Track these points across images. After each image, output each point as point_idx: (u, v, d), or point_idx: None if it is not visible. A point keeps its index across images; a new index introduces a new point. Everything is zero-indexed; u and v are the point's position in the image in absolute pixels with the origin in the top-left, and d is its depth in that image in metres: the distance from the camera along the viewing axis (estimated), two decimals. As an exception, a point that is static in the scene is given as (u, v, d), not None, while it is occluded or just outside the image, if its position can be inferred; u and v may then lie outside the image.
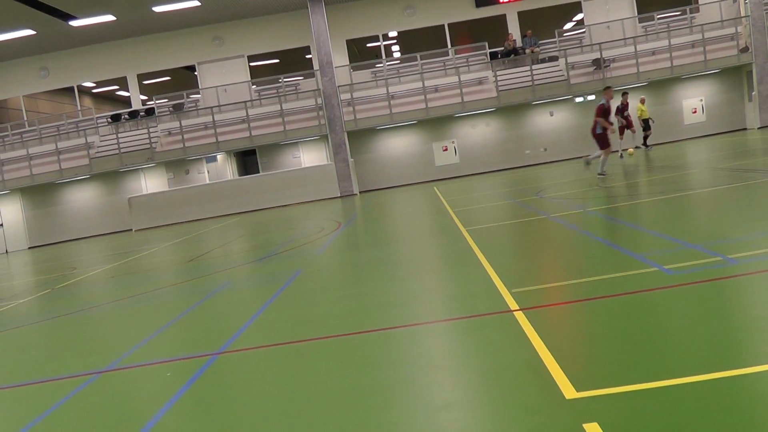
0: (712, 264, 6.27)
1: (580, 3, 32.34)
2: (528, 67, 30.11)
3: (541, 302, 5.94)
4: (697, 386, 3.66)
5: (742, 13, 30.27)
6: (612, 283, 6.15)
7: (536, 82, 29.79)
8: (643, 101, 28.78)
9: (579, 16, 32.84)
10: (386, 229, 14.03)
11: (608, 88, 17.83)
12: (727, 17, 31.20)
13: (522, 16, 32.19)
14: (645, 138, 28.62)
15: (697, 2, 32.23)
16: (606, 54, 30.05)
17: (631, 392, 3.71)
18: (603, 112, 17.46)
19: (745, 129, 31.05)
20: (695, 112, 31.39)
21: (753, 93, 30.19)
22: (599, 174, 17.48)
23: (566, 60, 30.05)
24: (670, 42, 29.77)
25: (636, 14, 32.10)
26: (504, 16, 32.30)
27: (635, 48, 29.73)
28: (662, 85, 31.16)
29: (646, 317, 5.08)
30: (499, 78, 30.29)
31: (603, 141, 17.48)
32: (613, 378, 3.97)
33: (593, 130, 17.60)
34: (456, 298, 6.68)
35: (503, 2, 31.88)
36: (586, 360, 4.41)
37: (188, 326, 7.28)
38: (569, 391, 3.79)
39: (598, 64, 29.90)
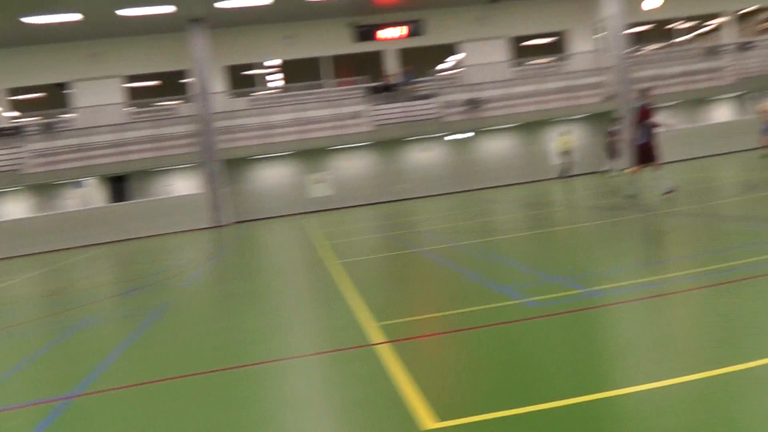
0: (571, 296, 6.46)
1: (456, 44, 33.36)
2: (404, 104, 30.66)
3: (408, 335, 5.93)
4: (557, 411, 3.73)
5: (608, 64, 31.99)
6: (477, 314, 6.22)
7: (411, 119, 30.37)
8: (566, 134, 30.28)
9: (455, 57, 33.72)
10: (257, 261, 13.79)
11: (646, 89, 15.26)
12: (594, 67, 32.84)
13: (400, 53, 32.86)
14: (563, 170, 30.19)
15: (567, 52, 33.81)
16: (479, 94, 30.99)
17: (494, 419, 3.72)
18: (646, 114, 14.82)
19: (611, 170, 32.49)
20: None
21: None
22: (666, 193, 14.94)
23: (441, 98, 30.84)
24: (541, 87, 31.11)
25: (510, 59, 33.30)
26: (382, 52, 32.83)
27: (508, 91, 30.88)
28: (532, 126, 32.46)
29: (510, 347, 5.14)
30: (375, 113, 30.68)
31: (648, 152, 14.94)
32: (477, 406, 3.97)
33: (633, 141, 15.11)
34: (324, 332, 6.57)
35: (381, 39, 32.30)
36: (450, 390, 4.39)
37: (42, 367, 6.73)
38: (429, 422, 3.77)
39: (471, 104, 30.73)
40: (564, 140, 30.14)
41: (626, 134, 14.90)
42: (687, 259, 7.96)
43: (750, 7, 37.30)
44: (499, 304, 6.47)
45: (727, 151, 32.88)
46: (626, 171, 16.20)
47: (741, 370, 4.02)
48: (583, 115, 32.68)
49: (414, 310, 6.99)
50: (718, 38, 36.86)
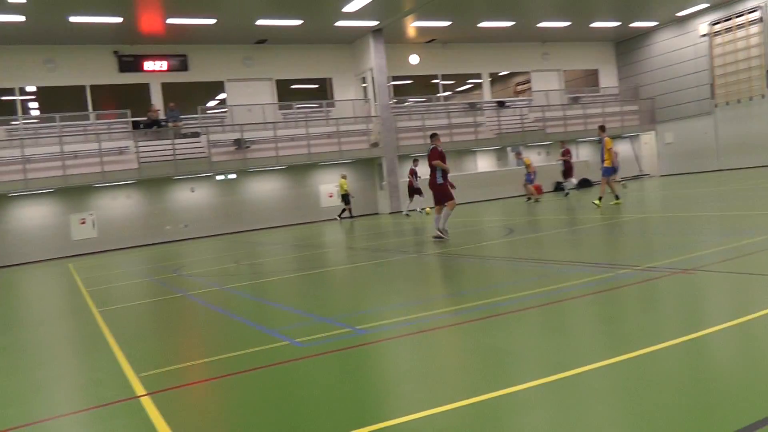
0: (341, 335, 6.43)
1: (223, 82, 32.89)
2: (170, 141, 29.66)
3: (172, 384, 5.55)
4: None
5: (373, 113, 33.11)
6: (245, 358, 5.99)
7: (178, 157, 29.43)
8: (344, 177, 30.63)
9: (222, 96, 33.37)
10: (10, 312, 12.62)
11: (436, 134, 15.87)
12: (360, 115, 33.88)
13: (166, 87, 31.75)
14: (343, 212, 31.02)
15: (333, 98, 34.60)
16: (247, 135, 30.76)
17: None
18: (440, 155, 15.30)
19: (378, 213, 33.51)
20: (331, 196, 33.26)
21: (383, 183, 32.90)
22: (437, 236, 15.15)
23: (208, 137, 30.28)
24: (307, 131, 31.53)
25: (276, 101, 33.48)
26: (148, 85, 31.53)
27: (275, 133, 30.94)
28: (301, 169, 32.71)
29: (280, 389, 5.00)
30: (141, 149, 29.25)
31: (446, 193, 15.30)
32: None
33: (432, 181, 15.35)
34: (82, 388, 6.00)
35: (147, 71, 31.18)
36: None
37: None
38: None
39: (238, 144, 30.43)
40: (342, 183, 30.92)
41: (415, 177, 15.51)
42: (452, 296, 8.32)
43: (504, 71, 40.56)
44: (267, 347, 6.30)
45: (487, 198, 35.06)
46: (426, 211, 16.75)
47: (502, 395, 4.21)
48: (349, 161, 33.45)
49: (179, 358, 6.62)
50: (477, 96, 39.55)
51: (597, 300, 7.02)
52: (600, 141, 21.02)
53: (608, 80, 44.28)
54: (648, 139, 42.54)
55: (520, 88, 42.98)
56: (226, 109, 33.18)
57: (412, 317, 6.94)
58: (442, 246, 14.14)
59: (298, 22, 29.51)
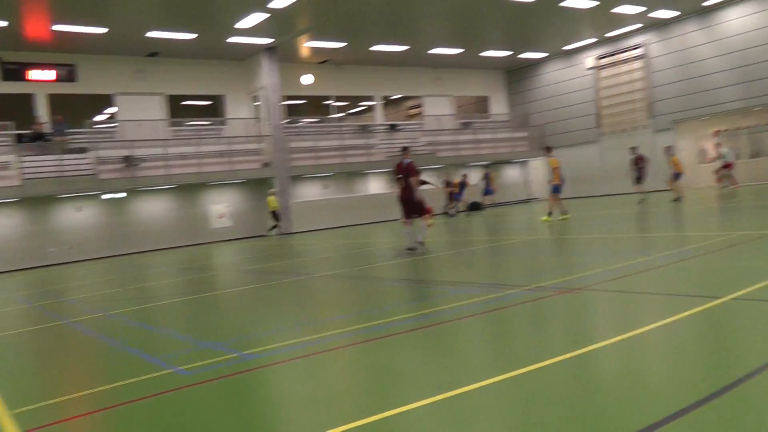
0: (228, 361, 6.31)
1: (112, 96, 31.77)
2: (56, 156, 28.24)
3: (48, 420, 5.29)
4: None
5: (265, 133, 32.86)
6: (129, 389, 5.76)
7: (64, 174, 28.08)
8: (272, 194, 30.87)
9: (112, 109, 32.21)
10: None
11: (407, 147, 16.24)
12: (252, 134, 33.54)
13: (53, 99, 30.19)
14: (273, 228, 30.98)
15: (225, 116, 34.13)
16: (137, 152, 29.80)
17: None
18: (417, 171, 15.66)
19: (268, 235, 33.19)
20: (222, 217, 32.75)
21: (275, 203, 32.66)
22: (411, 248, 15.45)
23: (96, 153, 29.11)
24: (199, 149, 30.94)
25: (168, 117, 32.73)
26: (33, 95, 29.84)
27: (166, 150, 30.18)
28: (191, 189, 32.04)
29: (164, 420, 4.84)
30: (24, 165, 27.56)
31: (421, 206, 15.83)
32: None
33: (408, 197, 15.53)
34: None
35: (32, 80, 29.59)
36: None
37: None
38: None
39: (128, 161, 29.44)
40: (271, 200, 30.97)
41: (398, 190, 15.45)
42: (342, 318, 8.29)
43: (396, 94, 41.08)
44: (151, 376, 6.10)
45: (379, 220, 35.26)
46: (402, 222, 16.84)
47: (391, 416, 4.24)
48: (241, 180, 33.05)
49: (58, 391, 6.30)
50: (370, 119, 39.84)
51: (485, 319, 7.19)
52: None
53: (499, 107, 45.48)
54: (537, 164, 43.82)
55: (412, 111, 43.60)
56: (116, 124, 31.91)
57: (302, 340, 6.90)
58: (332, 268, 14.17)
59: (191, 36, 28.98)
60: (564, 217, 21.19)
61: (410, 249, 15.50)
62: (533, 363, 5.12)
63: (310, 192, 35.55)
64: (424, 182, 15.55)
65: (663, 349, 5.48)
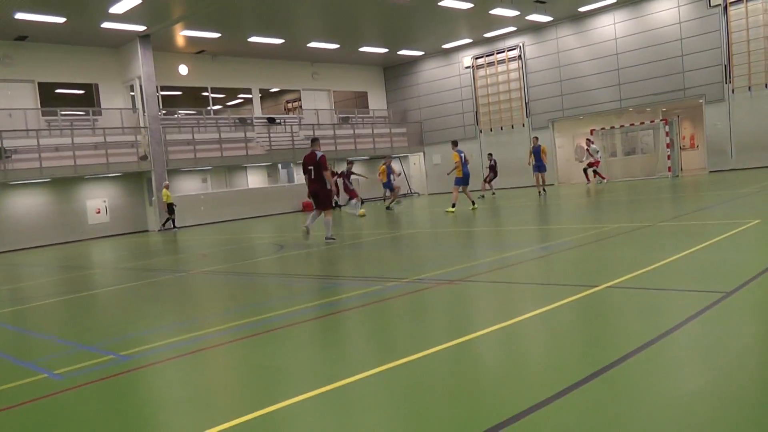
0: (104, 363, 6.07)
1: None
2: None
3: None
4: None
5: (142, 124, 31.90)
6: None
7: None
8: (167, 186, 29.88)
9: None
10: None
11: (317, 139, 16.04)
12: (128, 125, 32.50)
13: None
14: (166, 221, 30.26)
15: (100, 105, 32.87)
16: (7, 144, 28.25)
17: None
18: (324, 162, 15.55)
19: (147, 231, 32.34)
20: (99, 212, 31.64)
21: (153, 198, 31.84)
22: (330, 238, 15.68)
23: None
24: (73, 140, 29.65)
25: (40, 106, 31.22)
26: None
27: (38, 141, 28.74)
28: (66, 183, 30.78)
29: (35, 429, 4.63)
30: None
31: (331, 199, 16.18)
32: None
33: (318, 189, 15.54)
34: None
35: None
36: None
37: None
38: None
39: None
40: (165, 192, 30.14)
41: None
42: (223, 314, 8.15)
43: (274, 87, 40.76)
44: (20, 382, 5.76)
45: (259, 215, 34.95)
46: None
47: (273, 410, 4.21)
48: (117, 174, 31.99)
49: None
50: (248, 112, 39.34)
51: (365, 312, 7.23)
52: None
53: (377, 103, 45.81)
54: (416, 159, 44.45)
55: (290, 105, 43.35)
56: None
57: (181, 338, 6.73)
58: (212, 264, 13.95)
59: (61, 20, 27.39)
60: (450, 210, 21.89)
61: (330, 239, 15.69)
62: (413, 353, 5.19)
63: (188, 186, 34.84)
64: (335, 174, 15.62)
65: (540, 336, 5.66)
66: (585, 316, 6.15)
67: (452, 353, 5.22)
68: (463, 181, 22.60)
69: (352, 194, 26.75)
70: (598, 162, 30.43)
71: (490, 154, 32.82)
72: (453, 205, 22.18)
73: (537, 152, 27.52)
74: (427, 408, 4.06)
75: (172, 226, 30.69)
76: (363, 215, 25.26)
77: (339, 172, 27.91)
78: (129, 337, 7.30)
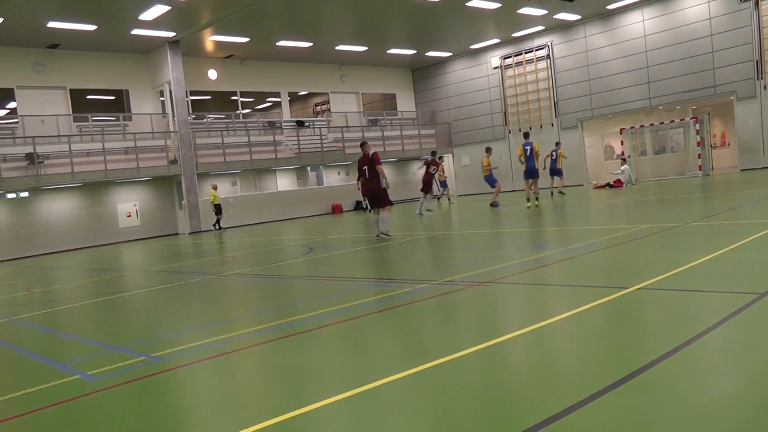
0: (135, 364, 6.13)
1: (12, 89, 30.42)
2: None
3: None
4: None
5: (171, 129, 32.19)
6: (29, 398, 5.48)
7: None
8: (215, 187, 30.77)
9: (12, 104, 30.85)
10: None
11: (366, 142, 16.81)
12: (158, 130, 32.79)
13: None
14: (216, 222, 31.10)
15: (130, 111, 33.23)
16: (40, 149, 28.69)
17: None
18: (378, 161, 16.21)
19: (177, 234, 32.61)
20: (129, 216, 31.98)
21: (183, 201, 32.06)
22: (385, 233, 16.37)
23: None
24: (104, 145, 29.99)
25: (71, 112, 31.64)
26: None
27: (70, 147, 29.11)
28: (97, 187, 31.16)
29: (69, 429, 4.70)
30: None
31: (387, 197, 16.63)
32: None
33: (372, 188, 16.30)
34: None
35: None
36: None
37: None
38: None
39: (31, 159, 28.36)
40: (213, 193, 30.90)
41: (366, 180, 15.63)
42: (252, 317, 8.16)
43: (303, 91, 40.94)
44: (55, 383, 5.84)
45: (288, 218, 35.08)
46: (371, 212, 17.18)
47: (304, 413, 4.21)
48: (147, 178, 32.32)
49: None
50: (277, 115, 39.53)
51: (395, 314, 7.21)
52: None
53: (406, 104, 45.81)
54: (446, 161, 44.37)
55: (319, 108, 43.50)
56: (16, 120, 30.54)
57: (212, 340, 6.77)
58: (242, 266, 14.03)
59: (91, 27, 27.92)
60: (530, 205, 21.93)
61: (379, 235, 16.40)
62: (444, 356, 5.17)
63: (218, 189, 35.08)
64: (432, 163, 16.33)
65: (571, 338, 5.61)
66: (616, 319, 6.09)
67: (483, 356, 5.19)
68: (527, 174, 22.61)
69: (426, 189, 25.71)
70: (621, 183, 30.08)
71: (558, 143, 30.84)
72: (528, 200, 22.22)
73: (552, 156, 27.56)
74: (458, 411, 4.03)
75: (219, 226, 31.12)
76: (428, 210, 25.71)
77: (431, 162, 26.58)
78: (160, 339, 7.38)
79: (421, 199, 24.80)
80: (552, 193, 27.26)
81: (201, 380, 5.62)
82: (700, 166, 31.82)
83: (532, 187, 22.40)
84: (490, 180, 25.46)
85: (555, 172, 27.46)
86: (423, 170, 25.50)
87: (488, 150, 26.52)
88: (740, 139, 31.96)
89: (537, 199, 22.15)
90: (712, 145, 34.53)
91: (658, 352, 4.71)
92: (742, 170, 31.24)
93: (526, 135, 23.27)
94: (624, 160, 31.36)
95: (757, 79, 30.85)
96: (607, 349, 5.17)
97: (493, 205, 24.54)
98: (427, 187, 25.05)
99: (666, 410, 3.70)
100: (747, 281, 6.85)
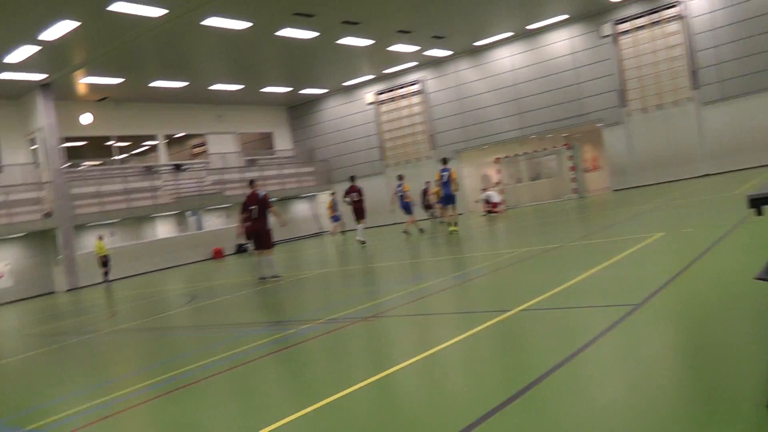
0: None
1: None
2: None
3: None
4: None
5: (45, 179, 30.92)
6: None
7: None
8: (101, 237, 29.00)
9: None
10: None
11: (254, 180, 16.42)
12: (31, 181, 31.40)
13: None
14: (105, 275, 29.32)
15: (0, 161, 31.72)
16: None
17: None
18: (267, 202, 15.80)
19: (54, 292, 31.13)
20: (2, 276, 30.34)
21: (59, 257, 30.71)
22: (265, 277, 15.84)
23: None
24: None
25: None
26: None
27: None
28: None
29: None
30: None
31: (272, 239, 16.19)
32: None
33: (259, 228, 15.77)
34: None
35: None
36: None
37: None
38: None
39: None
40: (99, 244, 29.31)
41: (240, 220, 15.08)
42: (134, 374, 7.84)
43: (179, 132, 40.27)
44: None
45: (169, 266, 34.14)
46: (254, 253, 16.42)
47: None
48: (21, 234, 30.80)
49: None
50: (154, 159, 38.63)
51: (281, 357, 7.12)
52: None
53: (283, 143, 45.70)
54: (325, 198, 44.39)
55: (196, 150, 42.83)
56: None
57: (92, 404, 6.41)
58: (121, 321, 13.57)
59: (-47, 71, 26.52)
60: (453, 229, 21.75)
61: (262, 278, 15.96)
62: (333, 393, 5.13)
63: (94, 242, 33.90)
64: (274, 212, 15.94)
65: (459, 363, 5.68)
66: (502, 340, 6.21)
67: (372, 390, 5.17)
68: (444, 200, 22.66)
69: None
70: (496, 205, 31.04)
71: (428, 182, 32.10)
72: (449, 224, 22.16)
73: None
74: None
75: (107, 279, 29.73)
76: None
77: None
78: (37, 408, 6.88)
79: (359, 227, 23.97)
80: (405, 231, 25.79)
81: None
82: (574, 189, 33.13)
83: (451, 213, 22.53)
84: (406, 206, 25.59)
85: (406, 207, 25.93)
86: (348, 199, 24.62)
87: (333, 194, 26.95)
88: (610, 163, 33.51)
89: (456, 224, 22.14)
90: (584, 169, 35.96)
91: (544, 369, 4.83)
92: (614, 190, 32.67)
93: (445, 161, 23.11)
94: (484, 190, 32.14)
95: (621, 107, 32.55)
96: (495, 371, 5.26)
97: (406, 232, 24.99)
98: (362, 213, 24.43)
99: (553, 424, 3.78)
100: (623, 295, 7.13)
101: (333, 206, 33.98)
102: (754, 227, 10.26)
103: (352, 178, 25.13)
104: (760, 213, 3.90)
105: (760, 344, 4.58)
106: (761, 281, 3.69)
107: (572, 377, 4.62)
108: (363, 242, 22.93)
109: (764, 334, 4.80)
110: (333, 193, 31.65)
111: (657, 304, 6.38)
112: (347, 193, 24.24)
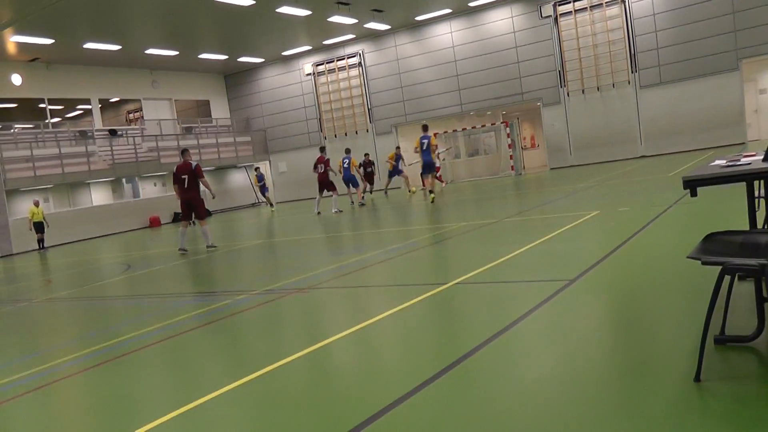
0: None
1: None
2: None
3: None
4: None
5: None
6: None
7: None
8: (36, 203, 28.07)
9: None
10: None
11: (187, 149, 16.30)
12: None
13: None
14: (41, 241, 28.61)
15: None
16: None
17: None
18: (200, 172, 15.78)
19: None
20: None
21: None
22: (210, 246, 15.90)
23: None
24: None
25: None
26: None
27: None
28: None
29: None
30: None
31: (203, 208, 16.29)
32: None
33: (191, 198, 15.87)
34: None
35: None
36: None
37: None
38: None
39: None
40: (34, 210, 28.34)
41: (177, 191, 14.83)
42: (68, 344, 7.61)
43: (114, 97, 39.29)
44: None
45: (104, 234, 33.46)
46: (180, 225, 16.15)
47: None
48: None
49: None
50: (89, 124, 37.63)
51: (216, 328, 7.05)
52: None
53: (220, 111, 45.02)
54: (263, 168, 44.02)
55: (132, 116, 41.91)
56: None
57: (24, 375, 6.24)
58: (57, 290, 13.24)
59: None
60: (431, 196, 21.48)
61: (183, 250, 15.89)
62: (267, 365, 5.12)
63: (28, 207, 32.93)
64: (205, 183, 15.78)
65: (393, 336, 5.71)
66: (436, 314, 6.25)
67: (306, 361, 5.17)
68: (424, 168, 22.40)
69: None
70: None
71: (367, 154, 31.98)
72: (430, 191, 21.78)
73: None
74: (283, 420, 3.99)
75: (42, 246, 28.87)
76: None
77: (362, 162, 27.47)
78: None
79: (334, 197, 23.87)
80: (352, 202, 26.85)
81: (17, 416, 5.18)
82: (512, 167, 33.50)
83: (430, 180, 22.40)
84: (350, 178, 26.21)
85: (350, 179, 26.95)
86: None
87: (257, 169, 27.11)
88: (548, 141, 34.00)
89: (432, 192, 21.96)
90: (522, 147, 36.31)
91: (476, 342, 4.89)
92: (551, 169, 33.13)
93: (425, 128, 22.83)
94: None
95: (561, 87, 32.93)
96: (428, 344, 5.29)
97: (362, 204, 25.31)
98: (329, 185, 24.31)
99: (485, 395, 3.83)
100: (557, 270, 7.24)
101: (258, 179, 33.58)
102: (689, 208, 10.50)
103: (322, 149, 25.16)
104: (694, 194, 4.00)
105: (690, 320, 4.70)
106: (693, 260, 3.76)
107: (504, 350, 4.69)
108: (339, 211, 23.04)
109: (694, 310, 4.91)
110: (257, 168, 31.80)
111: (590, 280, 6.50)
112: (315, 164, 24.37)
